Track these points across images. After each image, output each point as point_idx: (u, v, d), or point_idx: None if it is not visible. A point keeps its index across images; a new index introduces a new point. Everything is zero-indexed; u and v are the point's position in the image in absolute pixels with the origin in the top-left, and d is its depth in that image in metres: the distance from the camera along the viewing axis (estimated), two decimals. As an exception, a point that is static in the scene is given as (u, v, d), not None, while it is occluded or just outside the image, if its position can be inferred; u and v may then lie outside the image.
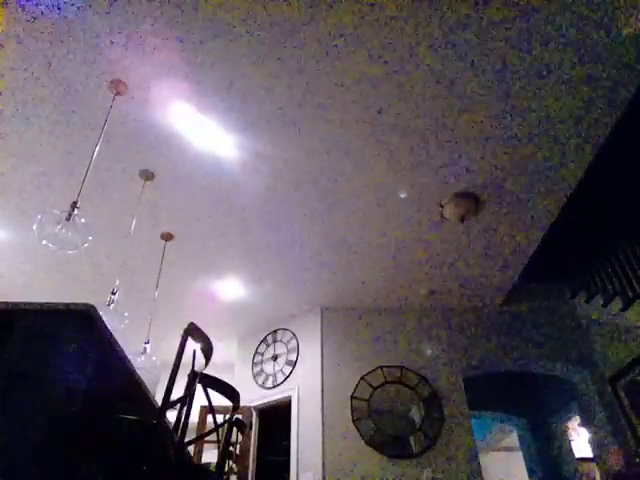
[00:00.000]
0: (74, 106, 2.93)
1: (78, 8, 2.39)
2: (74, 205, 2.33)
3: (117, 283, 3.13)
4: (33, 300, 1.38)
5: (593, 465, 5.70)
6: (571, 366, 5.01)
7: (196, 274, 4.69)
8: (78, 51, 2.60)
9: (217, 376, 1.94)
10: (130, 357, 1.67)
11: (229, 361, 5.91)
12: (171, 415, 1.65)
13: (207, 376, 1.88)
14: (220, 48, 2.59)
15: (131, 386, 1.69)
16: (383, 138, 3.17)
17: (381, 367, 4.83)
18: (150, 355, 3.65)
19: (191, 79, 2.76)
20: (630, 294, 4.40)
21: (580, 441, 6.19)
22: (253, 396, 5.20)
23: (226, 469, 2.75)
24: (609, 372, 4.76)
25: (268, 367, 5.33)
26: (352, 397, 4.64)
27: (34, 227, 2.24)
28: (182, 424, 1.60)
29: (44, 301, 1.35)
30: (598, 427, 4.88)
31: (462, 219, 3.74)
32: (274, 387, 5.11)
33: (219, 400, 2.07)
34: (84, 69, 2.70)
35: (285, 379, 5.06)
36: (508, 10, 2.43)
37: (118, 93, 2.80)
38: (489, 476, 8.39)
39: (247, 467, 4.70)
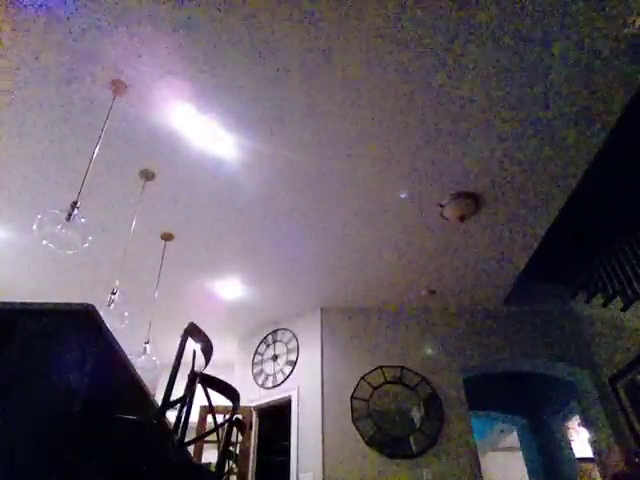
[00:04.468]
0: (74, 106, 2.93)
1: (78, 8, 2.39)
2: (74, 205, 2.33)
3: (117, 283, 3.13)
4: (33, 300, 1.37)
5: (593, 465, 5.71)
6: (571, 366, 5.01)
7: (196, 274, 4.69)
8: (78, 51, 2.60)
9: (217, 376, 1.94)
10: (130, 357, 1.67)
11: (229, 361, 5.92)
12: (171, 415, 1.66)
13: (207, 376, 1.88)
14: (220, 48, 2.59)
15: (131, 386, 1.69)
16: (383, 138, 3.18)
17: (381, 367, 4.84)
18: (150, 355, 3.64)
19: (191, 79, 2.76)
20: (630, 294, 4.40)
21: (580, 441, 6.19)
22: (253, 396, 5.20)
23: (226, 469, 2.75)
24: (609, 372, 4.76)
25: (268, 367, 5.34)
26: (352, 397, 4.65)
27: (34, 227, 2.24)
28: (182, 424, 1.60)
29: (44, 301, 1.35)
30: (598, 427, 4.88)
31: (462, 219, 3.74)
32: (274, 387, 5.12)
33: (219, 400, 2.07)
34: (84, 69, 2.70)
35: (285, 379, 5.06)
36: (508, 10, 2.43)
37: (118, 93, 2.80)
38: (489, 476, 8.40)
39: (247, 467, 4.71)
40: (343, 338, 5.09)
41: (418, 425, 4.51)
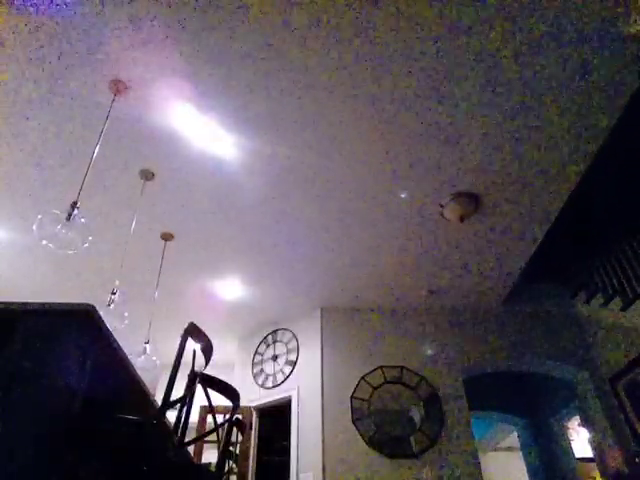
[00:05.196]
0: (74, 106, 2.93)
1: (78, 8, 2.39)
2: (74, 205, 2.33)
3: (117, 283, 3.13)
4: (33, 300, 1.38)
5: (593, 465, 5.70)
6: (571, 366, 5.01)
7: (196, 274, 4.69)
8: (78, 51, 2.60)
9: (217, 376, 1.94)
10: (130, 357, 1.67)
11: (229, 361, 5.92)
12: (171, 415, 1.66)
13: (207, 376, 1.88)
14: (220, 48, 2.59)
15: (131, 386, 1.69)
16: (383, 138, 3.18)
17: (381, 367, 4.83)
18: (150, 355, 3.65)
19: (191, 79, 2.76)
20: (630, 294, 4.40)
21: (580, 441, 6.19)
22: (253, 396, 5.20)
23: (226, 469, 2.75)
24: (609, 372, 4.76)
25: (268, 367, 5.34)
26: (352, 397, 4.64)
27: (34, 227, 2.24)
28: (182, 424, 1.60)
29: (44, 301, 1.35)
30: (598, 427, 4.88)
31: (462, 219, 3.74)
32: (274, 387, 5.12)
33: (219, 400, 2.07)
34: (84, 69, 2.70)
35: (285, 379, 5.06)
36: (507, 9, 2.43)
37: (118, 93, 2.80)
38: (489, 476, 8.40)
39: (247, 467, 4.71)
40: (343, 338, 5.08)
41: (418, 425, 4.51)
